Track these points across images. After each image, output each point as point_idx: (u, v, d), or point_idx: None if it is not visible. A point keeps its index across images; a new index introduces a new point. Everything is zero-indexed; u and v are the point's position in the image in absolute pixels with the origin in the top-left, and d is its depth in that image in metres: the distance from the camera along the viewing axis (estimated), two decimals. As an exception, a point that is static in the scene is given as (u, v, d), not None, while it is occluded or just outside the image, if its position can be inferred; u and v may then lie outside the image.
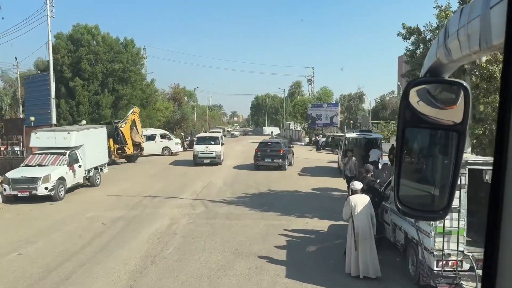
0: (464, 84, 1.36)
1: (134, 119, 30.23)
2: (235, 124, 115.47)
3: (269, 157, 25.05)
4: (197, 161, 26.68)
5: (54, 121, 29.42)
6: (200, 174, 22.84)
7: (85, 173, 17.52)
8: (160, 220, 12.27)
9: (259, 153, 25.43)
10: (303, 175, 22.84)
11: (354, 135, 23.36)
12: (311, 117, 53.71)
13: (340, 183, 19.26)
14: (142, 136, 31.41)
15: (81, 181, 17.31)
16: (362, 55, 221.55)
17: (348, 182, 12.42)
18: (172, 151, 36.69)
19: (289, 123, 77.56)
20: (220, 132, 42.03)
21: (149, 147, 34.72)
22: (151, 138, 36.56)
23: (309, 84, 60.45)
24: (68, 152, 16.46)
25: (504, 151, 0.90)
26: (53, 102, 29.79)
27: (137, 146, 29.76)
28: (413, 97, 1.37)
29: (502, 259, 0.91)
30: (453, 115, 1.37)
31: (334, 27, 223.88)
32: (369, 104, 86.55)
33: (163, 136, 37.70)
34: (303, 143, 53.42)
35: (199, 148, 27.12)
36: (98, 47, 43.15)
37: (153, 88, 52.88)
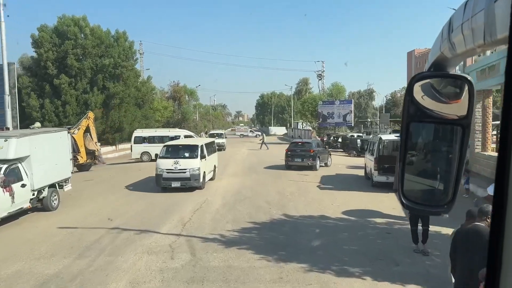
0: (469, 78, 1.36)
1: (88, 125, 26.34)
2: (241, 124, 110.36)
3: (299, 157, 24.07)
4: (161, 184, 16.90)
5: (9, 123, 24.57)
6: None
7: (33, 195, 12.69)
8: (113, 285, 7.39)
9: (289, 153, 24.63)
10: (324, 188, 17.87)
11: (391, 137, 18.38)
12: (322, 115, 48.78)
13: (376, 201, 14.34)
14: (97, 143, 27.53)
15: (26, 205, 12.45)
16: (371, 50, 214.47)
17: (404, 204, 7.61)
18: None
19: (297, 122, 72.61)
20: (221, 133, 37.01)
21: None
22: (174, 139, 31.41)
23: (319, 79, 55.55)
24: (3, 167, 11.65)
25: (508, 148, 0.87)
26: (7, 99, 24.87)
27: (91, 154, 25.45)
28: (417, 92, 1.37)
29: (507, 262, 0.89)
30: (458, 109, 1.37)
31: (341, 21, 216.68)
32: (382, 100, 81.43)
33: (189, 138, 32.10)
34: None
35: (164, 163, 16.97)
36: (86, 40, 38.44)
37: (150, 86, 48.12)
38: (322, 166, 25.00)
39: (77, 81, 38.26)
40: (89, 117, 27.11)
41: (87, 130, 26.22)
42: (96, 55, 39.23)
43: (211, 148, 20.10)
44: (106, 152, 40.13)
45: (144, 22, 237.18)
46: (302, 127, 65.55)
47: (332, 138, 41.61)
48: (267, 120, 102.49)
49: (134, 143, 30.59)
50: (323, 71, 55.24)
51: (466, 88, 1.35)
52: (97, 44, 39.25)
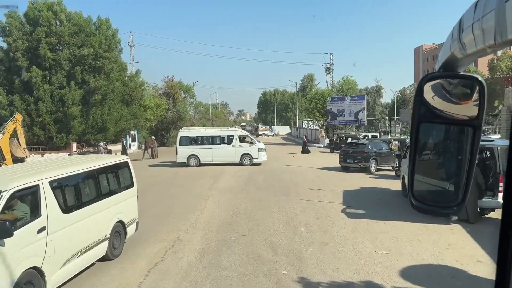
0: (479, 79, 1.34)
1: (15, 128, 22.85)
2: (243, 124, 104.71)
3: (351, 158, 22.63)
4: None
5: None
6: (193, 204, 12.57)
7: None
8: None
9: (342, 154, 23.57)
10: (353, 214, 12.27)
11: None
12: (331, 113, 43.26)
13: (442, 242, 8.94)
14: (25, 150, 23.67)
15: None
16: (377, 46, 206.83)
17: None
18: (254, 159, 25.78)
19: (302, 121, 67.09)
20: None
21: (222, 152, 25.60)
22: (226, 140, 26.26)
23: (327, 73, 49.95)
24: None
25: None
26: None
27: (19, 162, 20.60)
28: (428, 92, 1.36)
29: None
30: (468, 110, 1.36)
31: (348, 17, 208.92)
32: (391, 97, 75.71)
33: (243, 139, 26.52)
34: (321, 145, 43.00)
35: None
36: (61, 27, 33.05)
37: (139, 81, 42.70)
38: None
39: (52, 75, 32.93)
40: (16, 120, 23.08)
41: (14, 134, 23.01)
42: (74, 45, 33.87)
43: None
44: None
45: (136, 11, 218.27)
46: (308, 126, 60.07)
47: (340, 138, 36.13)
48: (270, 119, 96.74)
49: (180, 145, 25.62)
50: (332, 64, 49.78)
51: (477, 88, 1.33)
52: (75, 32, 33.88)
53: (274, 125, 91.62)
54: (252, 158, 25.60)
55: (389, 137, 36.44)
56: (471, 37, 1.25)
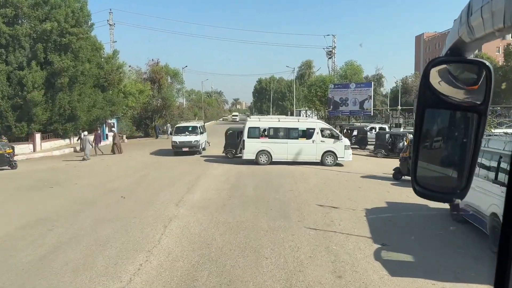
0: (487, 64, 1.32)
1: None
2: (234, 113, 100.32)
3: None
4: None
5: None
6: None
7: None
8: None
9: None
10: (396, 264, 7.36)
11: None
12: (333, 101, 38.32)
13: None
14: None
15: None
16: (377, 34, 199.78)
17: None
18: (339, 158, 20.67)
19: (300, 111, 62.16)
20: (194, 126, 27.60)
21: (299, 148, 20.67)
22: (305, 134, 20.97)
23: (329, 58, 44.82)
24: None
25: None
26: None
27: None
28: (434, 77, 1.35)
29: None
30: (475, 95, 1.34)
31: (347, 2, 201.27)
32: (392, 86, 70.84)
33: (327, 133, 21.26)
34: (322, 137, 38.15)
35: None
36: (19, -3, 27.90)
37: (117, 63, 37.55)
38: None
39: (9, 53, 27.74)
40: None
41: None
42: (36, 18, 28.67)
43: None
44: (55, 148, 29.94)
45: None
46: (306, 116, 55.08)
47: (345, 130, 31.32)
48: (265, 108, 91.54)
49: (248, 137, 20.79)
50: (334, 47, 44.61)
51: (484, 74, 1.31)
52: (36, 3, 28.67)
53: (269, 114, 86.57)
54: (337, 157, 20.61)
55: (402, 130, 31.70)
56: (479, 21, 1.23)
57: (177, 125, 28.23)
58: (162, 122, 46.28)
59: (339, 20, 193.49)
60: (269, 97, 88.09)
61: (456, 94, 1.41)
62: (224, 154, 23.61)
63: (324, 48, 44.50)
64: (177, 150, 24.99)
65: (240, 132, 22.48)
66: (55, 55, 28.51)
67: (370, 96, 37.53)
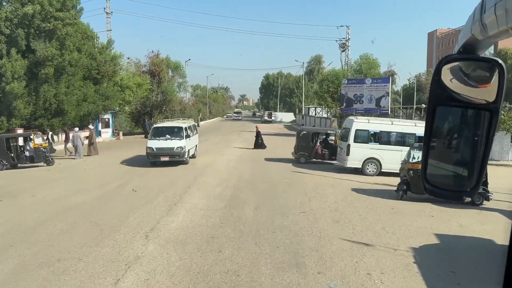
0: (499, 62, 1.31)
1: None
2: (236, 109, 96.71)
3: None
4: None
5: None
6: None
7: None
8: None
9: None
10: None
11: None
12: (346, 98, 34.78)
13: None
14: None
15: None
16: (389, 30, 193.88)
17: None
18: None
19: (308, 108, 58.59)
20: (178, 127, 19.94)
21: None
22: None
23: (342, 51, 41.13)
24: None
25: None
26: None
27: None
28: (446, 75, 1.34)
29: None
30: (487, 93, 1.34)
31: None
32: (404, 84, 66.90)
33: None
34: (333, 138, 34.64)
35: None
36: (-2, -24, 24.74)
37: (111, 54, 34.32)
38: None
39: (-14, 39, 24.73)
40: None
41: None
42: (17, 1, 25.57)
43: None
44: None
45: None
46: (316, 114, 51.57)
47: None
48: (272, 104, 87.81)
49: (355, 142, 16.96)
50: (349, 39, 40.89)
51: (497, 72, 1.31)
52: (16, -18, 25.53)
53: (276, 111, 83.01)
54: None
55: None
56: (493, 18, 1.22)
57: (155, 125, 21.16)
58: (161, 118, 43.01)
59: (350, 14, 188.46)
60: (276, 93, 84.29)
61: (468, 92, 1.38)
62: (294, 157, 20.09)
63: (337, 40, 40.90)
64: (154, 160, 18.43)
65: (316, 134, 19.96)
66: (38, 42, 25.30)
67: (388, 93, 33.96)
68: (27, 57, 25.42)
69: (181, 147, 18.34)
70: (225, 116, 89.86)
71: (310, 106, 59.25)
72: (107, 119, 36.52)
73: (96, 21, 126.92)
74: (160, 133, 19.22)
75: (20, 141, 20.63)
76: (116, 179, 15.08)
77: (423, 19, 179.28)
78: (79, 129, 31.37)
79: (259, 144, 26.68)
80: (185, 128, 19.43)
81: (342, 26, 43.10)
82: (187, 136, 19.15)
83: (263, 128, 52.46)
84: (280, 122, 72.96)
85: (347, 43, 41.11)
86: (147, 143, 18.78)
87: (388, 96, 33.92)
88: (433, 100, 1.34)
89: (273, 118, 74.76)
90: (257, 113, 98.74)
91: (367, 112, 35.04)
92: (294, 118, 72.04)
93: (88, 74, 31.56)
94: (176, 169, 17.60)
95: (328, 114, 39.73)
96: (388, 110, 34.23)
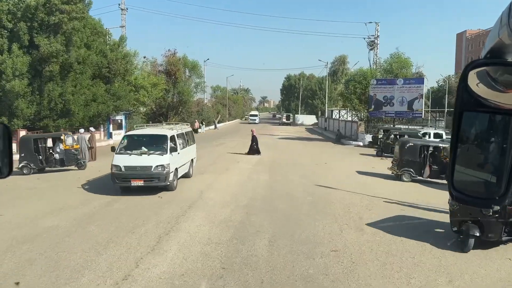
0: None
1: None
2: (252, 112, 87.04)
3: None
4: None
5: None
6: None
7: None
8: None
9: None
10: None
11: None
12: (375, 100, 31.80)
13: None
14: None
15: None
16: (417, 30, 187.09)
17: None
18: None
19: (332, 110, 55.56)
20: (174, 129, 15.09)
21: None
22: None
23: (371, 49, 38.10)
24: None
25: None
26: None
27: None
28: (472, 80, 1.32)
29: None
30: None
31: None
32: (432, 86, 62.98)
33: None
34: (360, 143, 31.77)
35: None
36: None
37: (123, 52, 32.34)
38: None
39: (-15, 34, 22.96)
40: None
41: None
42: (19, -7, 23.78)
43: None
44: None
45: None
46: (340, 117, 48.51)
47: (391, 136, 24.81)
48: (293, 106, 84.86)
49: None
50: (378, 36, 37.86)
51: None
52: (19, -27, 23.68)
53: (298, 113, 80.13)
54: None
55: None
56: None
57: (127, 133, 15.47)
58: (177, 119, 40.88)
59: (377, 13, 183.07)
60: (298, 95, 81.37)
61: (496, 97, 1.36)
62: (393, 174, 16.23)
63: (365, 38, 37.88)
64: (122, 185, 12.46)
65: (425, 147, 15.84)
66: (41, 37, 23.37)
67: (422, 95, 30.84)
68: (31, 53, 23.53)
69: (162, 166, 12.21)
70: (243, 118, 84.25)
71: (334, 108, 56.21)
72: (119, 121, 34.53)
73: (111, 19, 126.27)
74: (134, 144, 13.36)
75: (49, 143, 18.56)
76: (108, 192, 12.71)
77: (452, 19, 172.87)
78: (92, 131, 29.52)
79: (254, 149, 23.83)
80: (172, 137, 13.49)
81: (371, 22, 39.94)
82: (173, 150, 13.09)
83: (281, 131, 49.82)
84: (302, 124, 70.14)
85: (376, 41, 38.02)
86: (113, 158, 12.55)
87: (422, 98, 30.77)
88: (460, 105, 1.31)
89: (291, 120, 72.46)
90: (277, 115, 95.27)
91: (397, 116, 32.01)
92: (316, 121, 69.08)
93: (98, 73, 29.62)
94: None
95: (354, 117, 36.73)
96: (421, 114, 31.08)
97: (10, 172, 2.23)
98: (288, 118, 73.31)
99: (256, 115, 75.97)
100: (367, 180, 16.04)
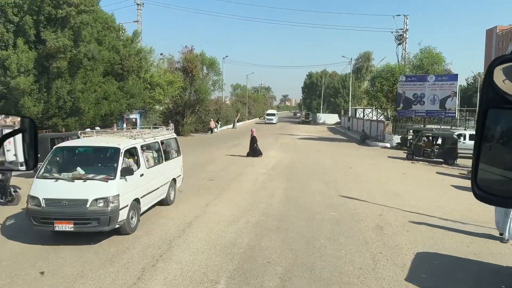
0: None
1: None
2: (269, 110, 79.10)
3: None
4: None
5: None
6: None
7: None
8: None
9: None
10: None
11: None
12: (404, 98, 29.39)
13: None
14: None
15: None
16: (445, 26, 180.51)
17: None
18: None
19: (355, 109, 53.07)
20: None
21: None
22: None
23: (399, 43, 35.48)
24: None
25: None
26: None
27: None
28: (498, 76, 1.29)
29: None
30: None
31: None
32: (469, 84, 59.50)
33: None
34: (388, 144, 29.43)
35: None
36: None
37: (137, 48, 30.96)
38: None
39: (-10, 28, 21.81)
40: None
41: None
42: (27, -15, 22.52)
43: None
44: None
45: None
46: (364, 116, 46.05)
47: (424, 138, 22.53)
48: (315, 105, 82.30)
49: None
50: (406, 30, 35.17)
51: None
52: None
53: (319, 112, 77.67)
54: None
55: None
56: None
57: (60, 144, 9.61)
58: (194, 118, 39.36)
59: (405, 7, 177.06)
60: (320, 93, 78.86)
61: None
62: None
63: (392, 32, 35.31)
64: (42, 228, 7.91)
65: None
66: (48, 32, 22.06)
67: (455, 93, 28.23)
68: (37, 49, 22.26)
69: (105, 200, 7.71)
70: (262, 118, 76.80)
71: (358, 107, 53.68)
72: (134, 119, 33.16)
73: (128, 16, 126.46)
74: (68, 162, 8.88)
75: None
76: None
77: (481, 15, 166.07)
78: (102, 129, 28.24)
79: (254, 151, 21.72)
80: (131, 151, 8.98)
81: (399, 15, 37.22)
82: (127, 172, 8.27)
83: (302, 130, 47.53)
84: (323, 124, 67.75)
85: (404, 35, 35.41)
86: (32, 185, 8.03)
87: (455, 96, 28.17)
88: (485, 102, 1.30)
89: (310, 118, 70.54)
90: (298, 114, 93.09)
91: (428, 115, 29.50)
92: (339, 120, 66.55)
93: (110, 70, 28.29)
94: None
95: (380, 117, 34.34)
96: (455, 113, 28.49)
97: (35, 165, 2.34)
98: (307, 116, 71.43)
99: (273, 115, 66.15)
100: (400, 189, 13.92)
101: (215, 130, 40.98)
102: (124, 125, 31.72)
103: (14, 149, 2.38)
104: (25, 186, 10.17)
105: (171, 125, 30.08)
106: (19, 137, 2.26)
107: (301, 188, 13.66)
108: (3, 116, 2.42)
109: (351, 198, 12.20)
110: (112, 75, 28.43)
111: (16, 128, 2.29)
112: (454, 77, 28.85)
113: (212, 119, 41.52)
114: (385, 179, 15.74)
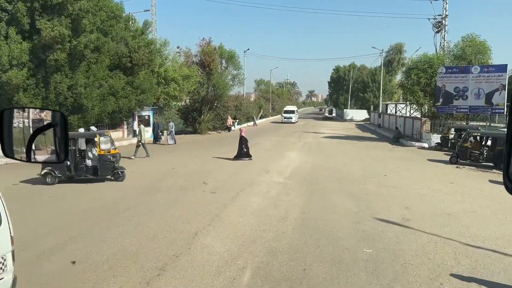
0: None
1: None
2: (288, 106, 70.07)
3: None
4: None
5: None
6: None
7: None
8: None
9: None
10: None
11: None
12: (443, 92, 25.83)
13: None
14: None
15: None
16: (486, 16, 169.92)
17: None
18: None
19: (387, 104, 49.28)
20: None
21: None
22: None
23: (437, 31, 31.62)
24: None
25: None
26: None
27: None
28: None
29: None
30: None
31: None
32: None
33: None
34: (425, 144, 25.94)
35: None
36: None
37: (148, 39, 28.60)
38: None
39: (-19, 17, 19.79)
40: None
41: None
42: (21, -31, 20.36)
43: None
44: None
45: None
46: (396, 112, 42.32)
47: (471, 138, 19.09)
48: (342, 100, 78.29)
49: None
50: (446, 16, 31.27)
51: None
52: None
53: (347, 108, 73.82)
54: None
55: None
56: None
57: None
58: (212, 115, 36.79)
59: None
60: (347, 87, 74.86)
61: None
62: None
63: (429, 19, 31.53)
64: None
65: None
66: (44, 20, 19.87)
67: (504, 86, 24.48)
68: (31, 39, 20.11)
69: None
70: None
71: (390, 102, 49.83)
72: (146, 117, 30.88)
73: (142, 5, 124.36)
74: None
75: (82, 145, 14.22)
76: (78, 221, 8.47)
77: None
78: (110, 127, 26.30)
79: (242, 153, 18.67)
80: None
81: (437, -1, 33.02)
82: None
83: (328, 128, 44.03)
84: (351, 120, 64.07)
85: (443, 22, 31.57)
86: None
87: (504, 90, 24.41)
88: None
89: (333, 114, 67.78)
90: (323, 109, 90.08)
91: (472, 112, 25.82)
92: (368, 116, 62.67)
93: (117, 63, 26.00)
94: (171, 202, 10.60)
95: (414, 113, 30.76)
96: (503, 109, 24.70)
97: (66, 157, 2.42)
98: (330, 112, 68.74)
99: (292, 112, 54.01)
100: (451, 206, 10.76)
101: (232, 128, 38.28)
102: (135, 123, 29.52)
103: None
104: None
105: (171, 124, 27.53)
106: (50, 131, 2.35)
107: (323, 206, 10.70)
108: (36, 110, 2.62)
109: (390, 222, 9.18)
110: (120, 69, 26.15)
111: (48, 122, 2.41)
112: (503, 67, 24.99)
113: (229, 116, 38.86)
114: (430, 192, 12.59)
